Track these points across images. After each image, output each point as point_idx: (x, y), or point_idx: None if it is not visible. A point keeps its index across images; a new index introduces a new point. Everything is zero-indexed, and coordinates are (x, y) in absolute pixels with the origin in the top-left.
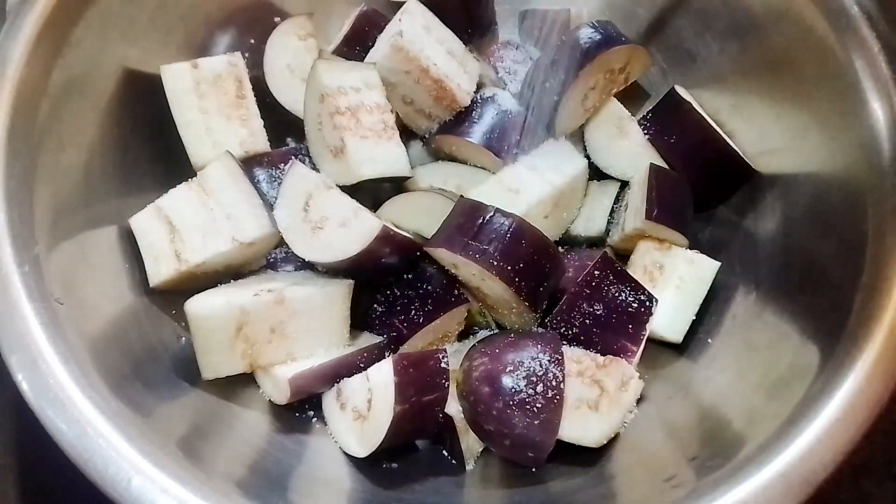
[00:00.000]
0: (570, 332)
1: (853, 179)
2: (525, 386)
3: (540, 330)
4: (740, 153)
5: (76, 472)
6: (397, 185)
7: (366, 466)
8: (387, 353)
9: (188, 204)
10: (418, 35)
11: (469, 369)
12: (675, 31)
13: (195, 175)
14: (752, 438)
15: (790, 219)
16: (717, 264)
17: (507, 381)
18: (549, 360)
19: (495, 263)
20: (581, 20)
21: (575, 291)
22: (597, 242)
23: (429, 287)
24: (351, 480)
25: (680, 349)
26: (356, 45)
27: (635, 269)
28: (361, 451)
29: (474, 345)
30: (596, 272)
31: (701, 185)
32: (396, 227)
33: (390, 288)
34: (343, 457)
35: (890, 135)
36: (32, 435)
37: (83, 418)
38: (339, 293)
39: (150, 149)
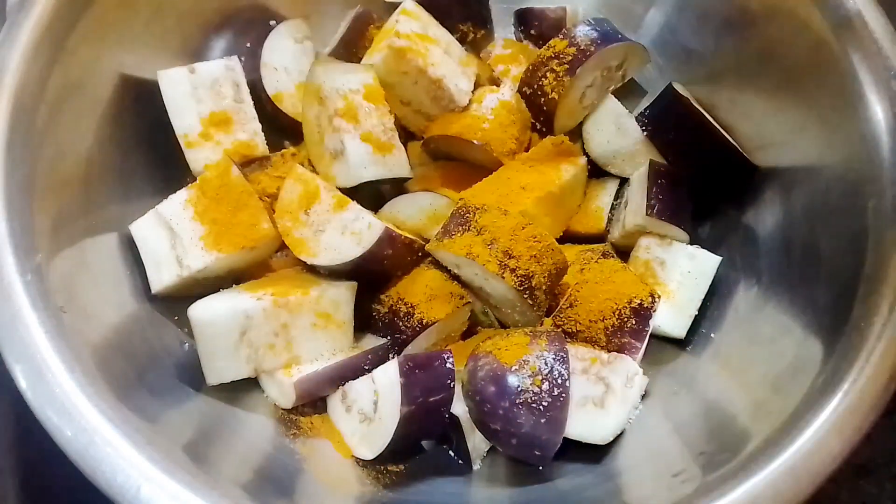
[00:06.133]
0: (573, 330)
1: (852, 172)
2: (530, 384)
3: (544, 328)
4: (739, 148)
5: (76, 473)
6: (397, 186)
7: (372, 468)
8: (391, 355)
9: (188, 209)
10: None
11: (474, 369)
12: (672, 28)
13: (195, 180)
14: (758, 432)
15: (790, 212)
16: (718, 259)
17: (513, 380)
18: (553, 358)
19: (497, 263)
20: (577, 18)
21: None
22: (598, 239)
23: None
24: (358, 482)
25: (683, 345)
26: (353, 46)
27: (636, 266)
28: (368, 453)
29: (479, 344)
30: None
31: (700, 181)
32: (398, 228)
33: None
34: (349, 459)
35: (888, 127)
36: (32, 436)
37: (90, 427)
38: (342, 295)
39: (149, 155)
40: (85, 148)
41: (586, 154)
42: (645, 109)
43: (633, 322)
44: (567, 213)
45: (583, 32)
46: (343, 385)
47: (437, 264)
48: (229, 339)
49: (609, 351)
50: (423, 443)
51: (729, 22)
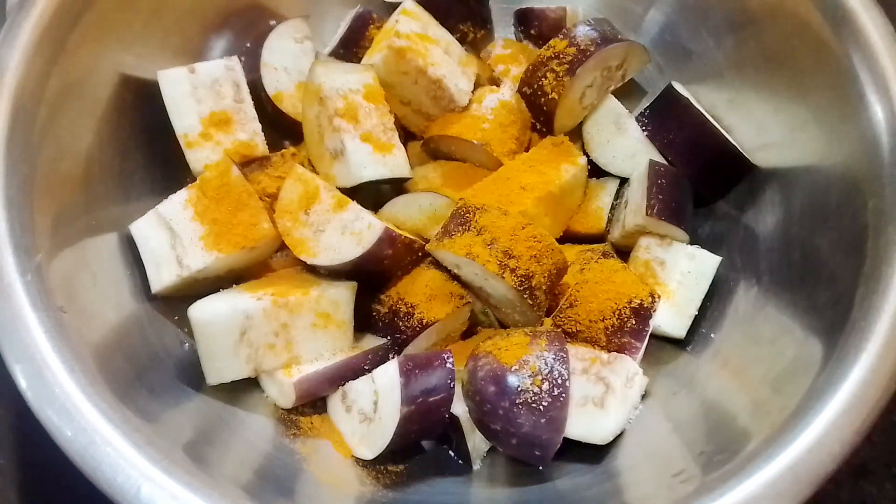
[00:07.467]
0: (574, 330)
1: (852, 171)
2: (530, 384)
3: (544, 328)
4: (739, 148)
5: (75, 474)
6: (397, 186)
7: (372, 468)
8: (391, 355)
9: (188, 209)
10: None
11: (474, 369)
12: (671, 28)
13: (195, 180)
14: (758, 432)
15: (790, 212)
16: (717, 259)
17: (513, 379)
18: (553, 358)
19: (497, 263)
20: (577, 18)
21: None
22: (598, 239)
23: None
24: (358, 482)
25: (683, 344)
26: (353, 46)
27: (636, 266)
28: (368, 453)
29: (479, 344)
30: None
31: (700, 181)
32: (398, 228)
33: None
34: (349, 459)
35: (888, 126)
36: (32, 436)
37: (90, 427)
38: (342, 295)
39: (149, 155)
40: (85, 148)
41: (586, 154)
42: (645, 109)
43: (633, 322)
44: (567, 213)
45: (583, 32)
46: (343, 385)
47: (437, 264)
48: (229, 339)
49: (609, 351)
50: (423, 443)
51: (728, 21)
